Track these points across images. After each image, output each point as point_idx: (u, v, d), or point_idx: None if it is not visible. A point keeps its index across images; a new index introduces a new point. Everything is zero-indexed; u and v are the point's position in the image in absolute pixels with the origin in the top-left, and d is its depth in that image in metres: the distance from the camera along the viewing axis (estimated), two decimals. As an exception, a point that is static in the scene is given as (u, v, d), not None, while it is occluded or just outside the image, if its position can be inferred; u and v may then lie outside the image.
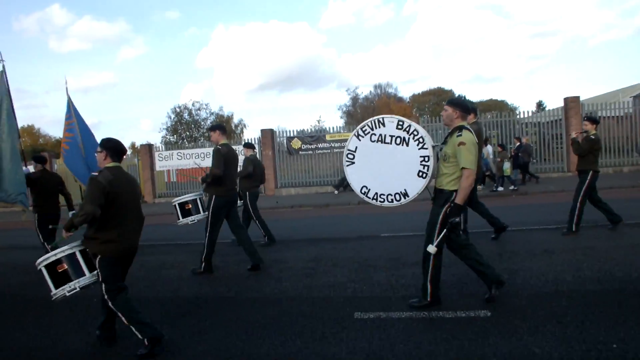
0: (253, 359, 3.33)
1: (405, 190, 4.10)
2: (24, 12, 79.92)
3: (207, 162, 17.97)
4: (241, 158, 8.19)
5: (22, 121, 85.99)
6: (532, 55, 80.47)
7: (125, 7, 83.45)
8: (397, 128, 4.10)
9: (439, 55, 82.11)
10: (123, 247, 3.55)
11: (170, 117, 42.61)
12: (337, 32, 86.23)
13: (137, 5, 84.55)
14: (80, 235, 3.68)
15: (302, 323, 3.93)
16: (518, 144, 14.66)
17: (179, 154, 19.39)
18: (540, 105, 52.81)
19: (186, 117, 42.58)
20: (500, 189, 13.52)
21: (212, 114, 43.69)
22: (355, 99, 48.96)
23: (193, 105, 42.77)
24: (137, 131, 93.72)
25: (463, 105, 4.02)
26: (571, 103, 15.62)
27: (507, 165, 13.60)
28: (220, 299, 4.82)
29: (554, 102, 66.52)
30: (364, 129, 4.26)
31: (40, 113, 79.82)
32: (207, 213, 5.87)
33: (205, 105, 45.56)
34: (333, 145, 17.81)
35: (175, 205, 6.20)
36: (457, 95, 52.51)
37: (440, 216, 3.90)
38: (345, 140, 17.43)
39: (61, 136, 6.80)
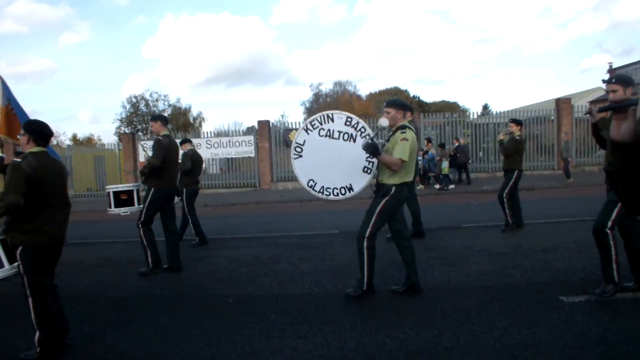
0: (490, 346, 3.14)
1: (350, 184, 4.25)
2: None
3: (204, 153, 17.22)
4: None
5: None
6: (474, 61, 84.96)
7: (70, -10, 77.11)
8: (345, 124, 4.23)
9: (387, 56, 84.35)
10: (47, 237, 3.27)
11: (125, 108, 40.22)
12: (288, 28, 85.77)
13: (84, -11, 78.35)
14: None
15: (517, 310, 3.77)
16: (457, 144, 15.25)
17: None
18: (486, 108, 55.87)
19: (142, 108, 40.34)
20: (452, 186, 14.17)
21: (170, 105, 41.82)
22: (318, 95, 49.03)
23: (151, 95, 40.70)
24: (75, 122, 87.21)
25: (405, 106, 4.30)
26: (563, 104, 16.65)
27: (445, 164, 14.21)
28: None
29: (496, 106, 70.83)
30: (312, 124, 4.33)
31: (-39, 99, 71.50)
32: (141, 206, 5.58)
33: (164, 96, 43.37)
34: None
35: (109, 193, 5.78)
36: (412, 95, 54.24)
37: (379, 206, 4.09)
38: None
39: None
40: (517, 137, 6.94)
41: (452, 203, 11.55)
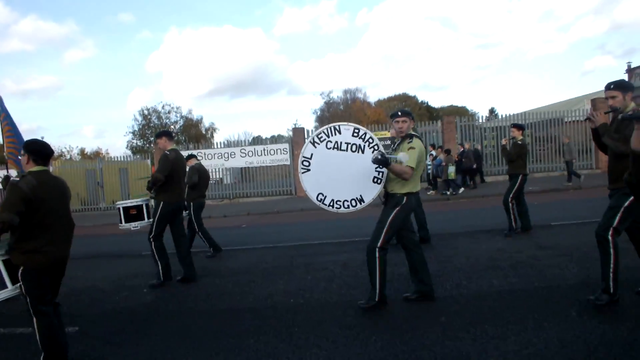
0: None
1: (360, 196, 4.21)
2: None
3: (232, 163, 17.23)
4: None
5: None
6: (477, 66, 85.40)
7: (76, 8, 77.80)
8: (352, 135, 4.19)
9: (389, 63, 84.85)
10: (49, 257, 3.25)
11: (137, 121, 40.19)
12: (290, 39, 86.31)
13: (89, 7, 78.83)
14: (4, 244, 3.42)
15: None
16: (462, 149, 15.36)
17: (199, 153, 18.16)
18: (492, 112, 56.17)
19: (155, 120, 40.32)
20: (462, 190, 14.30)
21: (182, 117, 41.82)
22: (329, 104, 49.10)
23: (163, 108, 40.71)
24: (79, 137, 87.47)
25: (413, 115, 4.37)
26: (600, 104, 16.62)
27: (451, 169, 14.30)
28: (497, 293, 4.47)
29: (502, 109, 71.12)
30: (319, 137, 4.27)
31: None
32: (151, 220, 5.70)
33: (176, 108, 43.36)
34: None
35: (119, 208, 5.94)
36: (420, 101, 54.48)
37: (391, 216, 4.10)
38: (384, 139, 17.65)
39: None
40: (520, 142, 6.94)
41: (474, 207, 11.48)
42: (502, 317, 3.80)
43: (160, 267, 5.60)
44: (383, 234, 4.09)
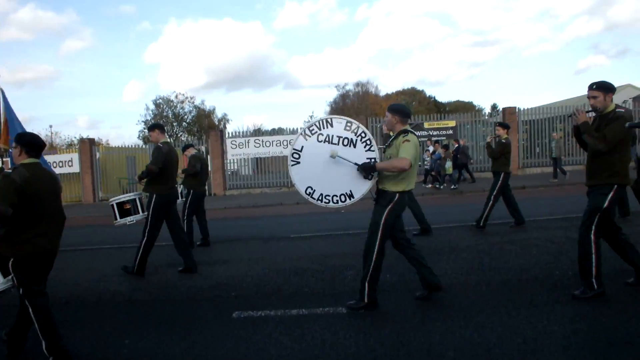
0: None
1: (350, 191, 4.09)
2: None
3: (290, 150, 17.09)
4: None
5: None
6: (473, 62, 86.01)
7: (77, -1, 75.46)
8: (345, 129, 4.09)
9: (387, 59, 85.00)
10: (39, 248, 3.25)
11: (148, 110, 39.46)
12: (289, 33, 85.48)
13: (90, -2, 76.55)
14: None
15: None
16: (457, 145, 15.73)
17: (256, 140, 17.97)
18: (494, 107, 56.94)
19: (167, 110, 39.67)
20: (444, 186, 14.82)
21: (195, 107, 41.23)
22: (344, 96, 48.90)
23: (176, 97, 40.03)
24: (73, 127, 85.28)
25: (402, 111, 4.13)
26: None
27: (448, 164, 14.80)
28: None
29: (503, 105, 71.49)
30: (311, 129, 4.17)
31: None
32: (146, 213, 5.73)
33: (190, 98, 42.49)
34: (431, 133, 17.62)
35: (112, 205, 5.89)
36: (428, 95, 54.88)
37: (384, 215, 3.95)
38: (444, 129, 16.58)
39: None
40: (504, 140, 7.14)
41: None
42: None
43: (139, 259, 5.59)
44: (379, 237, 3.95)
